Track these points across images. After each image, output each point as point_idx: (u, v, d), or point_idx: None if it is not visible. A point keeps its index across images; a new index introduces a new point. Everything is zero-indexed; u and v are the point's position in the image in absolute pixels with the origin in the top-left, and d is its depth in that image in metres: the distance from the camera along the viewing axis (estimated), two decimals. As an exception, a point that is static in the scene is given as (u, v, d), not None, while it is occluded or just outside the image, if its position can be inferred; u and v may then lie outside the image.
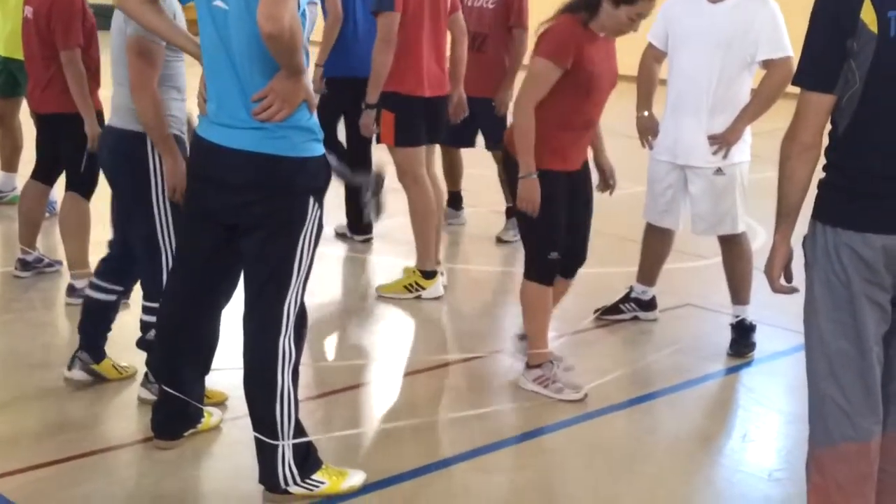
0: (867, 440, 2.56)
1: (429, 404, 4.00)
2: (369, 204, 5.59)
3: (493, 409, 3.94)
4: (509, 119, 5.88)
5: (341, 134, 5.87)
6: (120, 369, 3.93)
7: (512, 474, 3.51)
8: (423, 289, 5.13)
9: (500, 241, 6.18)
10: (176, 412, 3.41)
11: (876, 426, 2.58)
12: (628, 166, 5.82)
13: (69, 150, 4.77)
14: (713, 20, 4.31)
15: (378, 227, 6.14)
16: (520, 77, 4.45)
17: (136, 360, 3.91)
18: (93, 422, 3.68)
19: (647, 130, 4.63)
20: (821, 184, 2.59)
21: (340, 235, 6.13)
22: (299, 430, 3.14)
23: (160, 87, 3.49)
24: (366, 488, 3.24)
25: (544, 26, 3.82)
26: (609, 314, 4.89)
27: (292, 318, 3.07)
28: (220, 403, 3.72)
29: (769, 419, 4.06)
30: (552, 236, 3.91)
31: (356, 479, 3.24)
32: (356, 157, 5.70)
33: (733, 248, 4.55)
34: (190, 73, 3.65)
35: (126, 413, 3.77)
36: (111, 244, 3.91)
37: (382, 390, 4.21)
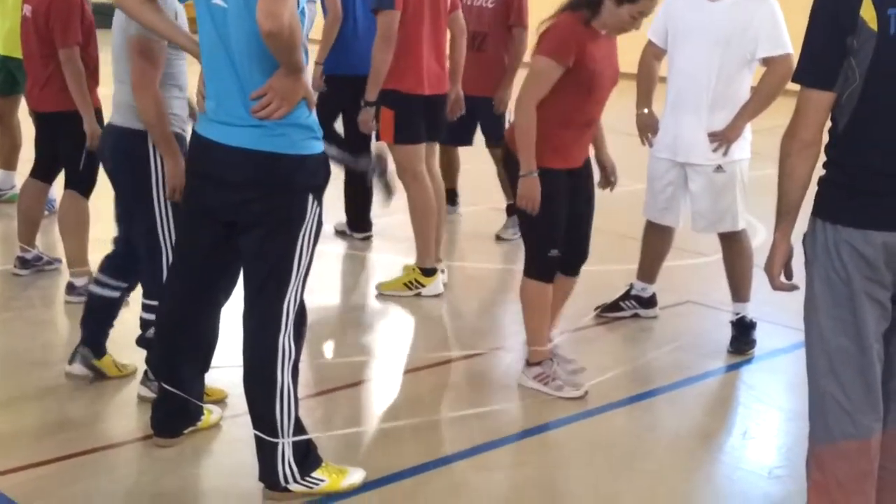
0: (867, 437, 2.56)
1: (429, 402, 4.00)
2: (378, 186, 5.59)
3: (494, 406, 3.94)
4: (508, 117, 5.93)
5: (340, 132, 5.87)
6: (120, 367, 3.93)
7: (512, 472, 3.51)
8: (423, 286, 5.12)
9: (499, 238, 6.19)
10: (176, 410, 3.41)
11: (876, 423, 2.57)
12: (628, 164, 5.82)
13: (68, 149, 4.77)
14: (713, 17, 4.31)
15: (378, 225, 6.15)
16: (520, 76, 4.45)
17: (136, 358, 3.91)
18: (93, 420, 3.68)
19: (647, 128, 4.63)
20: (821, 181, 2.59)
21: (340, 233, 6.13)
22: (299, 428, 3.14)
23: (162, 86, 3.49)
24: (366, 486, 3.24)
25: (545, 24, 3.81)
26: (609, 311, 4.89)
27: (292, 315, 3.07)
28: (220, 401, 3.72)
29: (769, 416, 4.06)
30: (552, 234, 3.91)
31: (356, 476, 3.24)
32: (355, 151, 5.70)
33: (733, 245, 4.54)
34: (189, 72, 3.65)
35: (126, 411, 3.77)
36: (116, 241, 3.91)
37: (382, 388, 4.21)
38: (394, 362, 4.44)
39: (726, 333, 4.60)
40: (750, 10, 4.27)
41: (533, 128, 3.76)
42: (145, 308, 3.73)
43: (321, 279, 4.70)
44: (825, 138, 2.57)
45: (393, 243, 5.97)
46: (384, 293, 5.15)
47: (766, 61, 4.34)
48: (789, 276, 2.69)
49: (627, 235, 5.59)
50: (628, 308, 4.89)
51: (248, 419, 3.18)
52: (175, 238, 3.49)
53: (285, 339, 3.06)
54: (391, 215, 6.16)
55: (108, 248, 3.98)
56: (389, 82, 4.96)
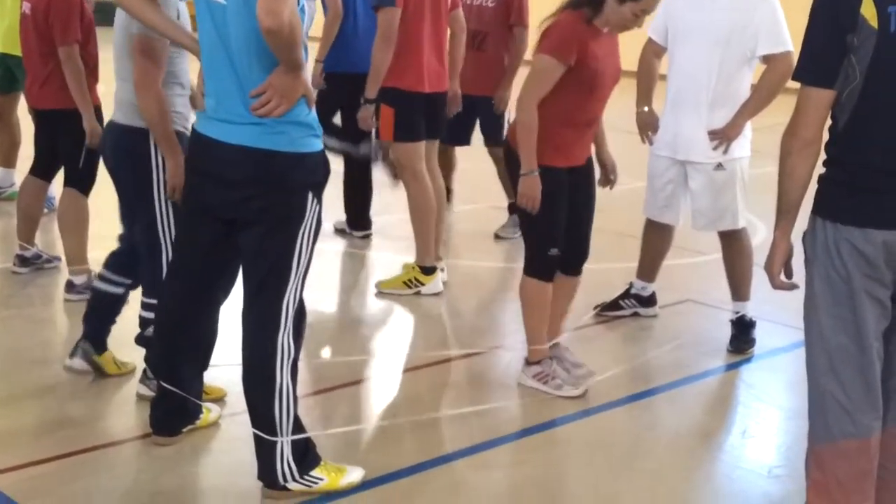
0: (867, 437, 2.56)
1: (428, 400, 3.99)
2: (383, 170, 5.58)
3: (493, 405, 3.93)
4: (508, 117, 5.93)
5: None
6: (119, 364, 3.93)
7: (511, 470, 3.50)
8: (423, 285, 5.12)
9: (497, 237, 6.18)
10: (174, 408, 3.41)
11: (876, 422, 2.57)
12: (628, 162, 5.81)
13: (67, 146, 4.76)
14: (713, 15, 4.30)
15: (377, 223, 6.14)
16: (521, 75, 4.45)
17: (135, 357, 3.90)
18: (92, 418, 3.68)
19: (647, 126, 4.63)
20: (821, 179, 2.59)
21: (339, 231, 6.13)
22: (298, 427, 3.14)
23: (164, 84, 3.48)
24: (364, 485, 3.23)
25: (547, 22, 3.80)
26: (609, 310, 4.89)
27: (291, 314, 3.07)
28: (219, 400, 3.71)
29: (769, 415, 4.05)
30: (552, 233, 3.90)
31: (355, 475, 3.24)
32: (355, 142, 5.70)
33: (733, 243, 4.54)
34: (190, 69, 3.64)
35: (125, 409, 3.76)
36: (121, 238, 3.91)
37: (382, 386, 4.20)
38: (393, 361, 4.43)
39: (726, 332, 4.59)
40: (750, 8, 4.27)
41: (534, 126, 3.75)
42: (144, 306, 3.72)
43: (320, 277, 4.69)
44: (825, 136, 2.57)
45: (392, 241, 5.96)
46: (384, 291, 5.14)
47: (767, 59, 4.33)
48: (789, 274, 2.68)
49: (627, 234, 5.59)
50: (628, 307, 4.89)
51: (246, 418, 3.18)
52: (174, 236, 3.49)
53: (284, 337, 3.06)
54: (391, 213, 6.16)
55: (108, 245, 3.97)
56: (389, 80, 4.95)
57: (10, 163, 6.37)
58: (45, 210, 5.44)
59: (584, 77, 3.76)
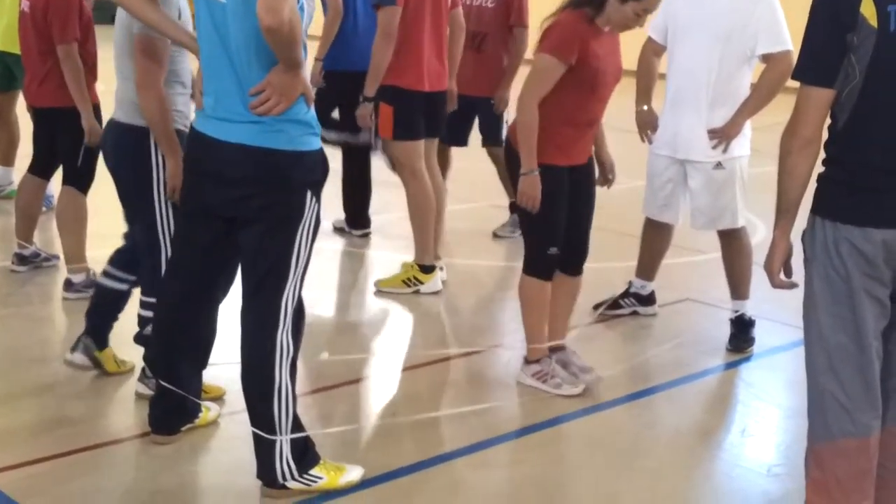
0: (867, 436, 2.56)
1: (427, 399, 3.99)
2: (382, 157, 5.57)
3: (492, 404, 3.93)
4: (506, 118, 5.93)
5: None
6: (119, 362, 3.93)
7: (511, 469, 3.50)
8: (422, 283, 5.12)
9: (495, 236, 6.18)
10: (173, 407, 3.40)
11: (875, 421, 2.57)
12: (628, 161, 5.80)
13: (66, 145, 4.76)
14: (713, 14, 4.30)
15: (376, 222, 6.14)
16: (520, 75, 4.44)
17: (134, 355, 3.89)
18: (90, 416, 3.67)
19: (647, 125, 4.62)
20: (820, 178, 2.59)
21: (338, 230, 6.13)
22: (297, 426, 3.13)
23: (166, 83, 3.48)
24: (364, 483, 3.23)
25: (548, 22, 3.80)
26: (608, 309, 4.88)
27: (290, 312, 3.06)
28: (218, 398, 3.71)
29: (768, 414, 4.05)
30: (552, 232, 3.90)
31: (354, 474, 3.23)
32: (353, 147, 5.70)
33: (733, 242, 4.54)
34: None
35: (123, 408, 3.76)
36: (126, 236, 3.90)
37: (381, 385, 4.20)
38: (392, 359, 4.43)
39: (725, 331, 4.59)
40: (750, 7, 4.27)
41: (535, 126, 3.75)
42: (143, 305, 3.72)
43: (319, 276, 4.69)
44: (825, 135, 2.56)
45: (391, 240, 5.96)
46: (383, 290, 5.14)
47: (766, 58, 4.33)
48: (789, 273, 2.68)
49: (626, 233, 5.59)
50: (627, 306, 4.89)
51: (245, 416, 3.18)
52: (173, 235, 3.49)
53: (283, 336, 3.05)
54: (390, 212, 6.16)
55: (107, 243, 3.97)
56: (389, 78, 4.95)
57: (8, 161, 6.37)
58: (44, 208, 5.44)
59: (585, 76, 3.75)
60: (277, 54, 2.86)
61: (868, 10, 2.40)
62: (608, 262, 5.42)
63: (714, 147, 4.39)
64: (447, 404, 3.97)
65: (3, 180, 6.39)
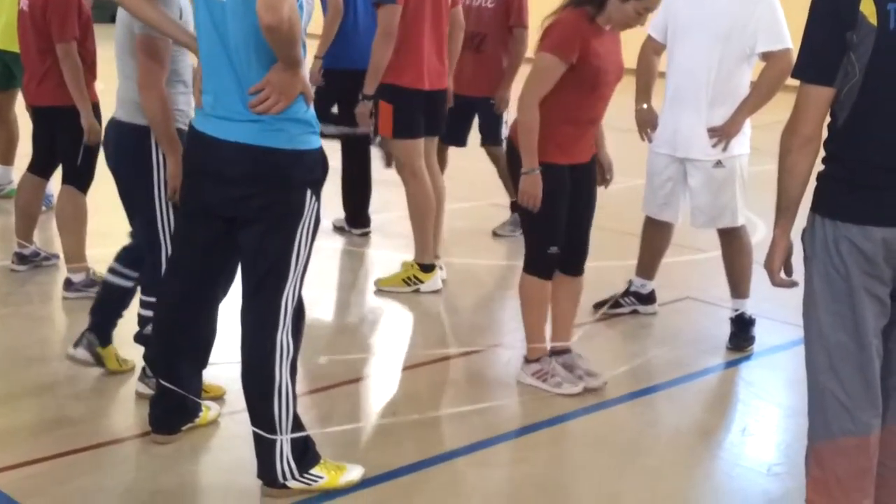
0: (866, 434, 2.56)
1: (427, 399, 3.99)
2: (378, 152, 5.57)
3: (492, 403, 3.93)
4: (506, 118, 5.93)
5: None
6: (120, 360, 3.92)
7: (511, 468, 3.50)
8: (422, 282, 5.12)
9: (495, 234, 6.18)
10: (174, 406, 3.40)
11: (875, 420, 2.57)
12: (627, 160, 5.80)
13: (65, 144, 4.75)
14: (713, 12, 4.30)
15: (376, 221, 6.14)
16: (521, 76, 4.44)
17: (134, 355, 3.89)
18: (90, 416, 3.67)
19: (646, 123, 4.62)
20: (820, 176, 2.58)
21: (338, 229, 6.13)
22: (297, 425, 3.13)
23: (168, 83, 3.47)
24: (364, 483, 3.23)
25: (548, 21, 3.79)
26: (608, 308, 4.88)
27: (290, 312, 3.06)
28: (218, 398, 3.71)
29: (768, 413, 4.05)
30: (553, 231, 3.90)
31: (354, 473, 3.23)
32: (352, 145, 5.69)
33: (733, 241, 4.54)
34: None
35: (123, 408, 3.76)
36: (132, 234, 3.90)
37: (381, 385, 4.20)
38: (392, 359, 4.43)
39: (725, 330, 4.59)
40: (750, 5, 4.27)
41: (535, 125, 3.74)
42: (143, 305, 3.72)
43: (319, 275, 4.69)
44: (824, 133, 2.56)
45: (391, 239, 5.96)
46: (383, 289, 5.14)
47: (766, 56, 4.33)
48: (789, 272, 2.68)
49: (626, 232, 5.58)
50: (627, 304, 4.89)
51: (246, 416, 3.17)
52: (173, 235, 3.49)
53: (283, 335, 3.05)
54: (390, 211, 6.16)
55: (107, 241, 3.97)
56: (389, 77, 4.95)
57: (8, 160, 6.36)
58: (44, 208, 5.43)
59: (585, 75, 3.75)
60: (277, 53, 2.86)
61: (868, 9, 2.40)
62: (608, 262, 5.41)
63: (714, 145, 4.39)
64: (447, 403, 3.97)
65: (3, 179, 6.39)
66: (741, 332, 4.55)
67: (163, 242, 3.59)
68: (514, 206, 5.97)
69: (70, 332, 4.22)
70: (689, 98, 4.39)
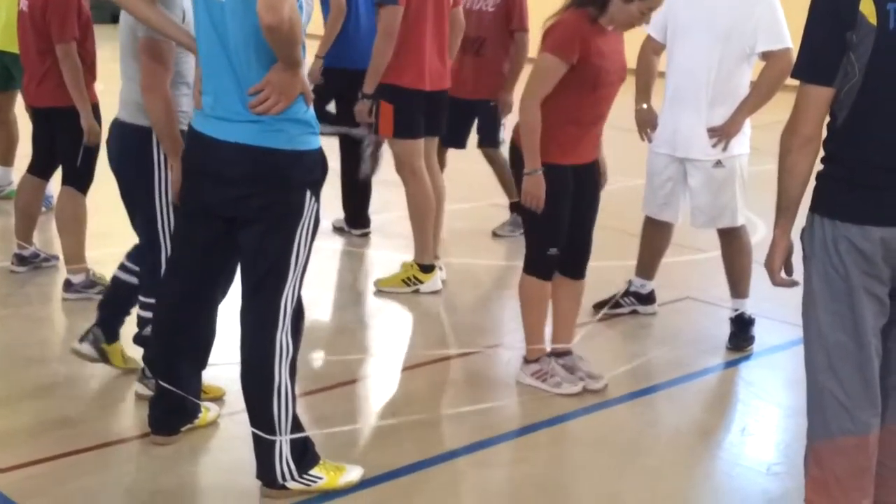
0: (865, 434, 2.56)
1: (427, 399, 3.99)
2: (366, 159, 5.58)
3: (492, 403, 3.93)
4: (503, 120, 5.93)
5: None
6: (126, 358, 3.91)
7: (511, 469, 3.50)
8: (422, 283, 5.12)
9: (495, 235, 6.18)
10: (173, 407, 3.40)
11: (874, 419, 2.57)
12: (627, 160, 5.81)
13: (65, 144, 4.75)
14: (713, 12, 4.30)
15: (376, 221, 6.13)
16: (522, 78, 4.43)
17: (134, 356, 3.89)
18: (90, 417, 3.67)
19: (646, 123, 4.62)
20: (819, 176, 2.59)
21: (338, 229, 6.12)
22: (296, 426, 3.13)
23: (172, 85, 3.47)
24: (363, 483, 3.23)
25: (550, 21, 3.79)
26: (608, 308, 4.88)
27: (289, 312, 3.06)
28: (218, 398, 3.71)
29: (768, 413, 4.05)
30: (555, 232, 3.89)
31: (354, 474, 3.23)
32: (351, 144, 5.70)
33: (732, 241, 4.53)
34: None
35: (123, 409, 3.76)
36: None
37: (380, 385, 4.20)
38: (392, 359, 4.43)
39: (725, 330, 4.59)
40: (750, 4, 4.27)
41: (537, 125, 3.74)
42: (142, 306, 3.72)
43: (319, 276, 4.69)
44: (824, 133, 2.56)
45: (391, 240, 5.96)
46: (382, 290, 5.14)
47: (766, 56, 4.33)
48: (789, 271, 2.68)
49: (626, 232, 5.58)
50: (627, 304, 4.88)
51: (245, 416, 3.17)
52: (172, 235, 3.48)
53: (283, 336, 3.05)
54: (389, 211, 6.16)
55: (107, 242, 3.97)
56: (390, 77, 4.95)
57: (7, 161, 6.36)
58: (43, 209, 5.43)
59: (587, 75, 3.75)
60: (277, 53, 2.86)
61: (867, 8, 2.40)
62: (608, 261, 5.41)
63: (714, 145, 4.39)
64: (447, 404, 3.97)
65: (3, 180, 6.38)
66: (741, 331, 4.55)
67: (162, 243, 3.59)
68: (514, 207, 5.98)
69: (70, 333, 4.22)
70: (688, 98, 4.39)
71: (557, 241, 3.90)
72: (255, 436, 3.11)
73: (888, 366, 2.60)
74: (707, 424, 3.92)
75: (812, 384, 2.60)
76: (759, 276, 3.37)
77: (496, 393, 4.03)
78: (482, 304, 5.27)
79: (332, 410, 3.82)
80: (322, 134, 3.12)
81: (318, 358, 4.35)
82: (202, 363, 3.44)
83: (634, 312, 4.88)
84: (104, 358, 3.89)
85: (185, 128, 3.54)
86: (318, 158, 3.07)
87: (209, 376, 3.56)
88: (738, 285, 4.55)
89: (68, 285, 4.79)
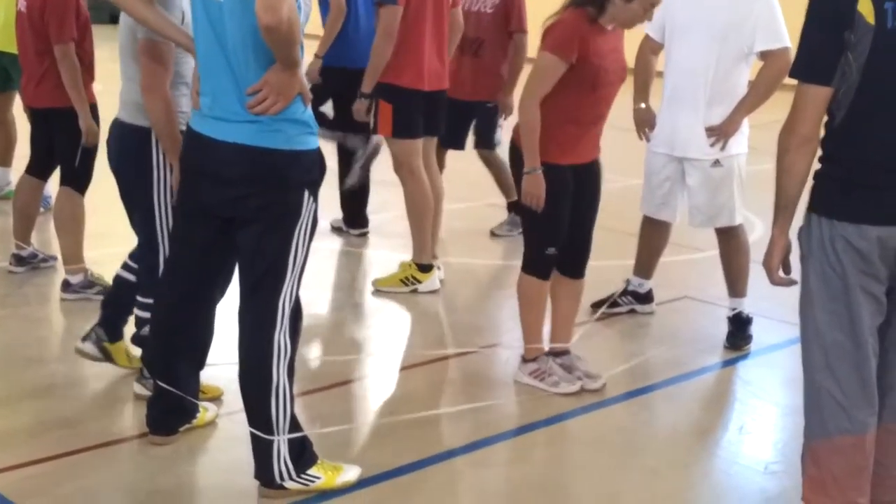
0: (863, 433, 2.56)
1: (425, 398, 3.99)
2: (355, 171, 5.59)
3: (490, 402, 3.93)
4: (500, 122, 5.93)
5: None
6: (130, 357, 3.91)
7: (509, 468, 3.50)
8: (420, 282, 5.12)
9: (493, 234, 6.18)
10: (171, 407, 3.40)
11: (871, 418, 2.58)
12: (626, 159, 5.81)
13: (63, 145, 4.75)
14: (711, 11, 4.30)
15: (374, 221, 6.14)
16: (522, 80, 4.44)
17: (137, 354, 3.89)
18: (88, 417, 3.66)
19: (644, 123, 4.62)
20: (816, 175, 2.59)
21: (336, 229, 6.13)
22: (294, 426, 3.13)
23: (172, 85, 3.47)
24: (361, 483, 3.23)
25: (549, 21, 3.80)
26: (606, 308, 4.88)
27: (287, 312, 3.06)
28: (216, 398, 3.71)
29: (766, 412, 4.06)
30: (554, 231, 3.89)
31: (351, 474, 3.23)
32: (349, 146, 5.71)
33: (730, 240, 4.54)
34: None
35: (121, 409, 3.76)
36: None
37: (379, 385, 4.20)
38: (390, 359, 4.43)
39: (723, 329, 4.60)
40: (748, 4, 4.27)
41: (536, 124, 3.74)
42: (140, 306, 3.72)
43: (317, 276, 4.69)
44: (822, 132, 2.57)
45: (389, 239, 5.96)
46: (380, 289, 5.14)
47: (764, 55, 4.33)
48: (787, 270, 2.69)
49: (624, 231, 5.58)
50: (625, 304, 4.89)
51: (243, 416, 3.17)
52: (171, 236, 3.48)
53: (281, 336, 3.05)
54: (388, 211, 6.16)
55: (105, 242, 3.97)
56: (389, 76, 4.95)
57: (6, 162, 6.36)
58: (42, 209, 5.43)
59: (586, 74, 3.75)
60: (275, 53, 2.86)
61: (865, 8, 2.41)
62: (606, 261, 5.40)
63: (712, 145, 4.39)
64: (445, 403, 3.97)
65: (1, 181, 6.38)
66: (738, 330, 4.56)
67: (161, 244, 3.59)
68: (513, 207, 5.98)
69: (68, 333, 4.22)
70: (687, 97, 4.40)
71: (556, 241, 3.90)
72: (253, 436, 3.12)
73: (885, 364, 2.61)
74: (705, 423, 3.93)
75: (809, 383, 2.61)
76: (756, 275, 3.37)
77: (494, 392, 4.03)
78: (480, 304, 5.27)
79: (329, 410, 3.82)
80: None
81: (316, 357, 4.36)
82: (200, 363, 3.44)
83: (632, 312, 4.89)
84: (107, 357, 3.89)
85: (184, 128, 3.55)
86: (316, 158, 3.07)
87: (207, 376, 3.56)
88: (736, 284, 4.55)
89: (66, 285, 4.79)
